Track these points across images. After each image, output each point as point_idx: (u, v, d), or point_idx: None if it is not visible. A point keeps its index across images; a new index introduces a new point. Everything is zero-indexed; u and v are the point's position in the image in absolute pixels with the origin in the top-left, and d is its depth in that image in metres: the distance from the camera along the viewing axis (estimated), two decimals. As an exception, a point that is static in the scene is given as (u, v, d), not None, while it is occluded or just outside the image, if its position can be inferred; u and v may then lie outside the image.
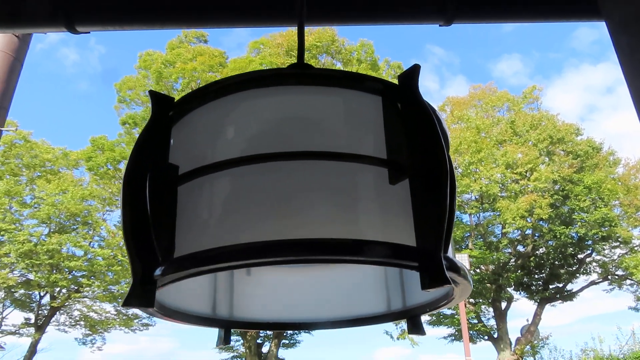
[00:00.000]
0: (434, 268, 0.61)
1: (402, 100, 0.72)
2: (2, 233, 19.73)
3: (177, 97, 0.75)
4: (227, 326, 0.96)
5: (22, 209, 20.67)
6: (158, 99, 0.76)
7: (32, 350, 20.99)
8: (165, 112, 0.76)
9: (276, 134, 0.68)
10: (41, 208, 20.23)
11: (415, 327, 0.92)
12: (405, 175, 0.66)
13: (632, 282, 21.99)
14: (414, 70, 0.73)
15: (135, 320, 23.47)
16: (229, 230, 0.63)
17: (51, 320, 21.89)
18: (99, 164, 21.37)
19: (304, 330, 0.97)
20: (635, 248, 21.19)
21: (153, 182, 0.69)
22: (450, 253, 0.69)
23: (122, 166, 22.07)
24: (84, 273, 20.99)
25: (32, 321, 21.52)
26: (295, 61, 0.95)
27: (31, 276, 20.42)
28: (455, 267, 0.67)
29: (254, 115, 0.71)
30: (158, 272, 0.64)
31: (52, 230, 20.88)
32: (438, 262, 0.60)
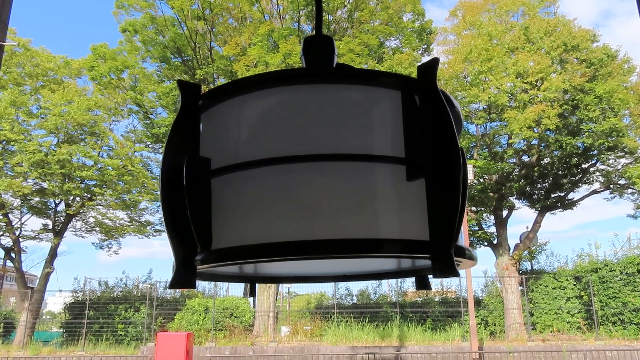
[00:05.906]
0: (444, 261, 0.68)
1: (420, 94, 0.75)
2: (12, 143, 20.00)
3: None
4: (252, 281, 1.08)
5: (29, 119, 20.75)
6: (186, 89, 0.79)
7: (53, 253, 22.14)
8: (194, 101, 0.79)
9: (301, 133, 0.73)
10: (48, 118, 20.28)
11: (423, 284, 1.01)
12: (422, 173, 0.71)
13: (633, 190, 22.34)
14: (433, 63, 0.75)
15: (148, 227, 24.44)
16: (259, 226, 0.70)
17: (68, 227, 22.84)
18: (101, 74, 21.04)
19: (320, 282, 1.08)
20: (641, 158, 21.27)
21: (188, 174, 0.75)
22: (459, 239, 0.76)
23: (126, 75, 21.74)
24: (96, 182, 21.53)
25: (50, 227, 22.48)
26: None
27: (45, 185, 20.99)
28: (461, 252, 0.74)
29: (279, 113, 0.75)
30: (198, 259, 0.72)
31: (60, 140, 21.09)
32: (449, 255, 0.68)
